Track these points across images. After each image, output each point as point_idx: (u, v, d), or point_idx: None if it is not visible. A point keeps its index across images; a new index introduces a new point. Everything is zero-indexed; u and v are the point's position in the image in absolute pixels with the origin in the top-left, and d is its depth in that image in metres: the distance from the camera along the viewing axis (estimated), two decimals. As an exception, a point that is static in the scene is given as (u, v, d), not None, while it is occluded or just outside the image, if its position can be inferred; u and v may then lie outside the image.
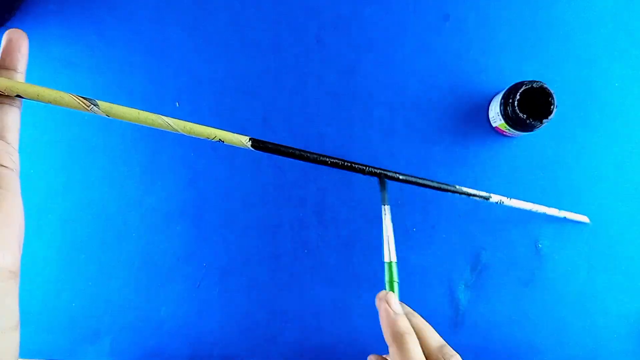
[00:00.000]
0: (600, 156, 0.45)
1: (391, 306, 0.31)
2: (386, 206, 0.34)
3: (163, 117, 0.29)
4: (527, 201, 0.44)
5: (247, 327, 0.46)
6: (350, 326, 0.46)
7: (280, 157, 0.47)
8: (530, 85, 0.39)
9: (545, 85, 0.39)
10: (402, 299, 0.46)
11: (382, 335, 0.45)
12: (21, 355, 0.46)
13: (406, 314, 0.32)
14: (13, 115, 0.25)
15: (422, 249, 0.46)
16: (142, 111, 0.28)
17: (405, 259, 0.46)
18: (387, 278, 0.33)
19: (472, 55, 0.47)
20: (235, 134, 0.31)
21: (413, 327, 0.31)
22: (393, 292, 0.32)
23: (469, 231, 0.46)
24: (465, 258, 0.46)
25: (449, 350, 0.30)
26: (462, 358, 0.29)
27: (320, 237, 0.46)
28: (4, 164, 0.23)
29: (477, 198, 0.39)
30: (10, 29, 0.25)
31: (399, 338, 0.29)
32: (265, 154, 0.47)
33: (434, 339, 0.31)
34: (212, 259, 0.47)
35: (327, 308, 0.46)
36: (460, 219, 0.46)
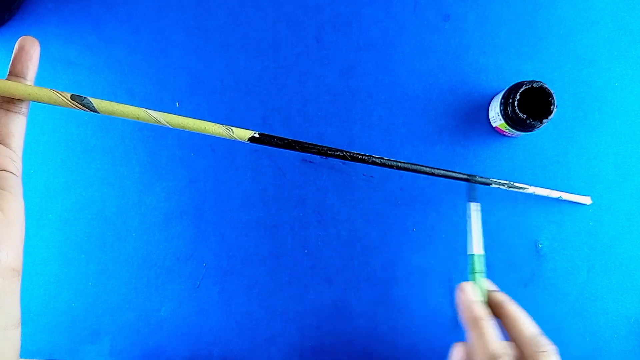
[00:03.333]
0: (600, 156, 0.45)
1: (467, 294, 0.34)
2: (474, 203, 0.38)
3: (148, 110, 0.29)
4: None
5: (247, 327, 0.46)
6: (351, 327, 0.46)
7: (280, 157, 0.47)
8: (530, 85, 0.39)
9: (545, 85, 0.39)
10: (402, 298, 0.46)
11: (383, 335, 0.45)
12: (21, 355, 0.46)
13: (501, 302, 0.34)
14: (19, 123, 0.26)
15: (422, 249, 0.46)
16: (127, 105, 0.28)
17: (406, 259, 0.46)
18: (470, 269, 0.36)
19: (472, 55, 0.47)
20: (244, 129, 0.31)
21: (508, 315, 0.32)
22: (474, 281, 0.36)
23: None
24: (465, 258, 0.46)
25: (543, 340, 0.31)
26: (556, 352, 0.30)
27: (320, 237, 0.46)
28: (8, 170, 0.24)
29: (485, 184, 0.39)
30: (24, 37, 0.26)
31: (475, 323, 0.31)
32: (266, 154, 0.47)
33: (528, 327, 0.32)
34: (212, 259, 0.47)
35: (327, 308, 0.46)
36: (460, 219, 0.46)
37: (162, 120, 0.29)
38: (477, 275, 0.36)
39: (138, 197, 0.47)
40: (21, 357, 0.46)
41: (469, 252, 0.37)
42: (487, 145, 0.46)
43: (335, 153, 0.34)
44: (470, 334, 0.32)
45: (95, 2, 0.48)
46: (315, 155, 0.47)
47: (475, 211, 0.38)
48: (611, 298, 0.45)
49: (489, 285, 0.36)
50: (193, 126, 0.30)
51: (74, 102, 0.27)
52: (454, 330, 0.45)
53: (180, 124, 0.30)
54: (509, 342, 0.32)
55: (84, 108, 0.27)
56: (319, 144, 0.34)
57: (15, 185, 0.24)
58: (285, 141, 0.32)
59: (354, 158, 0.35)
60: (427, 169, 0.38)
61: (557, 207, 0.45)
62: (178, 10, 0.48)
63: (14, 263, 0.22)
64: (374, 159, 0.36)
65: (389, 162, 0.36)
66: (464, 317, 0.33)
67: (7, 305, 0.22)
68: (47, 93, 0.26)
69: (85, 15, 0.48)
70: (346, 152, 0.35)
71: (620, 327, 0.44)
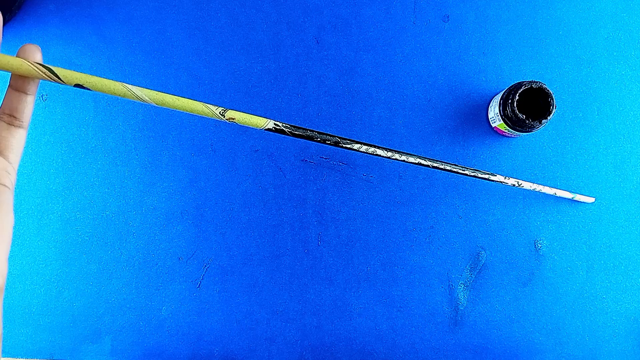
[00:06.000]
0: (599, 157, 0.46)
1: None
2: None
3: (128, 86, 0.28)
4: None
5: (247, 327, 0.46)
6: (350, 326, 0.46)
7: (280, 157, 0.47)
8: (529, 86, 0.39)
9: (544, 86, 0.39)
10: (402, 297, 0.46)
11: (382, 334, 0.46)
12: (22, 354, 0.46)
13: None
14: (19, 137, 0.26)
15: (421, 249, 0.46)
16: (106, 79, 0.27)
17: (405, 259, 0.46)
18: None
19: (472, 55, 0.47)
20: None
21: None
22: None
23: (468, 231, 0.46)
24: (465, 258, 0.46)
25: None
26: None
27: (320, 237, 0.46)
28: (1, 182, 0.24)
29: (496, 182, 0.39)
30: (26, 46, 0.25)
31: None
32: (266, 155, 0.47)
33: None
34: (213, 259, 0.47)
35: (327, 308, 0.46)
36: (459, 220, 0.46)
37: (145, 97, 0.28)
38: None
39: (139, 197, 0.47)
40: (22, 357, 0.47)
41: None
42: (486, 145, 0.46)
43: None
44: None
45: (96, 3, 0.48)
46: (315, 155, 0.47)
47: None
48: (610, 297, 0.45)
49: None
50: (180, 105, 0.29)
51: (41, 70, 0.26)
52: (454, 329, 0.45)
53: (166, 102, 0.28)
54: None
55: (52, 76, 0.26)
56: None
57: (6, 199, 0.24)
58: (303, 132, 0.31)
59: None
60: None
61: (557, 207, 0.45)
62: (178, 11, 0.48)
63: None
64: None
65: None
66: None
67: None
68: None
69: (86, 16, 0.48)
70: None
71: (619, 327, 0.45)
